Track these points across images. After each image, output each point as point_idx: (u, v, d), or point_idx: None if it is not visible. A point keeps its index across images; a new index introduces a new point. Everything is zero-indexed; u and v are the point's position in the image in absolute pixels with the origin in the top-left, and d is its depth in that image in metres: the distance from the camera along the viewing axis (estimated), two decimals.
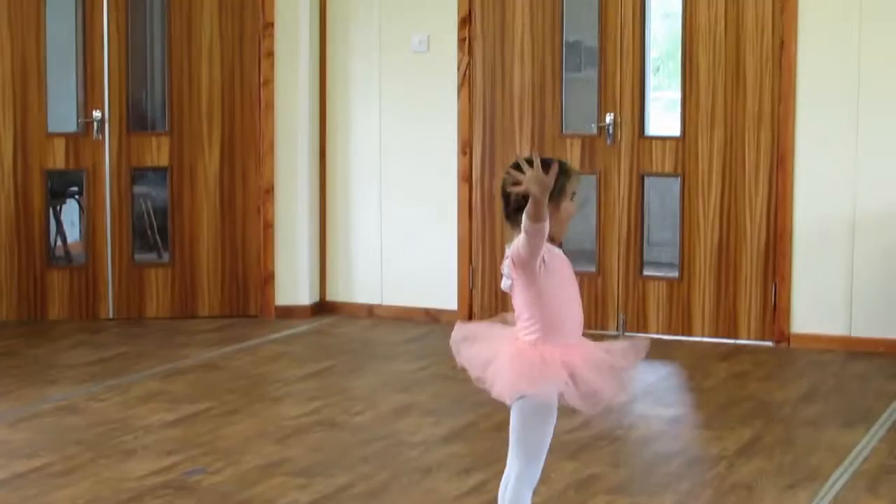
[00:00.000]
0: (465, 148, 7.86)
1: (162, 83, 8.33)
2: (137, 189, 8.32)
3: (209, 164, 8.02)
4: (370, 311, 8.14)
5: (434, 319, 7.94)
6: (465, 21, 7.80)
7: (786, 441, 5.50)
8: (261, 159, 8.02)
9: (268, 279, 8.07)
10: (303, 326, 7.88)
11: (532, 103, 7.71)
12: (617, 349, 3.74)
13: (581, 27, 7.91)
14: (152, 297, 8.03)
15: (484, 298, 7.86)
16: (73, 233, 8.72)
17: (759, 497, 4.77)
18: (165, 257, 8.28)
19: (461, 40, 7.83)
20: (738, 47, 7.25)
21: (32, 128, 7.84)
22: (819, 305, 7.17)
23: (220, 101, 8.00)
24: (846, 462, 5.18)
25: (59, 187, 8.47)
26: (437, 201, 7.94)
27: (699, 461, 5.27)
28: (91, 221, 7.96)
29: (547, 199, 3.41)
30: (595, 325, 7.51)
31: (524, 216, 3.45)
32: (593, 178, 7.58)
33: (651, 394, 6.25)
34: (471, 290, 7.88)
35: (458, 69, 7.85)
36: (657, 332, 7.49)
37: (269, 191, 8.03)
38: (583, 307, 3.80)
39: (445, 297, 7.93)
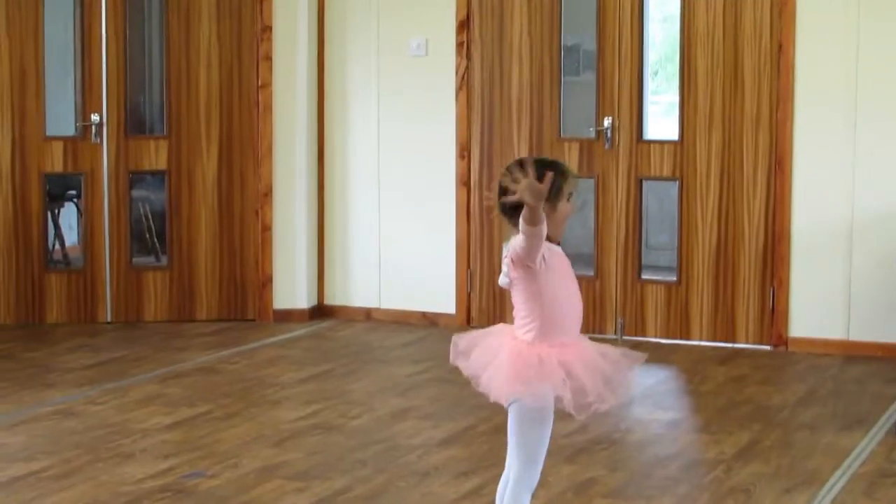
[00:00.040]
0: (464, 152, 7.86)
1: (160, 87, 8.33)
2: (135, 192, 8.32)
3: (207, 167, 8.02)
4: (368, 314, 8.14)
5: (432, 323, 7.94)
6: (464, 25, 7.81)
7: (784, 445, 5.50)
8: (259, 163, 8.02)
9: (266, 282, 8.06)
10: (301, 330, 7.88)
11: (530, 107, 7.71)
12: (612, 357, 3.73)
13: (579, 30, 7.92)
14: (150, 301, 8.03)
15: (482, 302, 7.86)
16: (71, 236, 8.72)
17: (757, 500, 4.77)
18: (163, 261, 8.28)
19: (459, 44, 7.83)
20: (737, 51, 7.25)
21: (30, 131, 7.84)
22: (817, 309, 7.18)
23: (218, 104, 8.00)
24: (844, 465, 5.17)
25: (57, 191, 8.48)
26: (435, 205, 7.94)
27: (697, 465, 5.27)
28: (89, 225, 7.96)
29: (542, 206, 3.41)
30: (593, 329, 7.51)
31: (521, 220, 3.45)
32: (591, 181, 7.58)
33: (649, 397, 6.25)
34: (469, 294, 7.89)
35: (457, 73, 7.85)
36: (655, 336, 7.49)
37: (268, 194, 8.03)
38: (583, 309, 3.81)
39: (443, 300, 7.93)
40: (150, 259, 8.65)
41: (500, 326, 3.83)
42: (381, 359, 7.16)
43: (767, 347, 7.28)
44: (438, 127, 7.91)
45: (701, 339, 7.41)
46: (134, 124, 8.31)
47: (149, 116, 8.88)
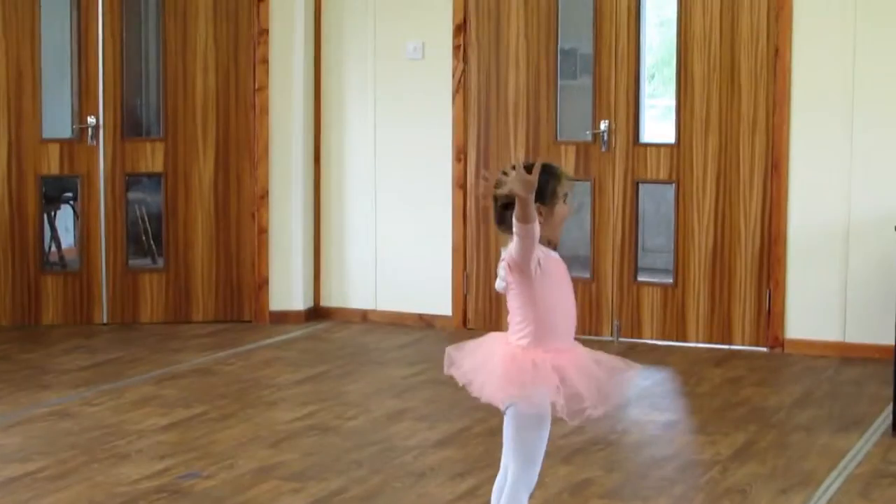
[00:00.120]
0: (460, 154, 7.87)
1: (157, 89, 8.34)
2: (132, 195, 8.32)
3: (203, 169, 8.02)
4: (364, 316, 8.14)
5: (428, 325, 7.94)
6: (460, 28, 7.81)
7: (780, 446, 5.51)
8: (255, 165, 8.02)
9: (262, 284, 8.07)
10: (297, 331, 7.88)
11: (527, 110, 7.72)
12: (606, 363, 3.73)
13: (576, 34, 7.92)
14: (146, 302, 8.03)
15: (478, 304, 7.86)
16: (67, 238, 8.71)
17: (753, 501, 4.77)
18: (160, 263, 8.28)
19: (456, 47, 7.84)
20: (733, 54, 7.26)
21: (27, 133, 7.84)
22: (813, 311, 7.18)
23: (214, 107, 8.00)
24: (840, 466, 5.18)
25: (53, 193, 8.46)
26: (431, 207, 7.94)
27: (693, 465, 5.27)
28: (85, 227, 7.95)
29: (533, 199, 3.41)
30: (589, 332, 7.51)
31: (514, 219, 3.46)
32: (588, 184, 7.59)
33: (645, 399, 6.25)
34: (465, 296, 7.89)
35: (453, 76, 7.86)
36: (651, 338, 7.50)
37: (264, 196, 8.03)
38: (577, 313, 3.81)
39: (439, 302, 7.94)
40: (147, 261, 8.65)
41: (492, 335, 3.83)
42: (377, 360, 7.16)
43: (764, 349, 7.28)
44: (435, 130, 7.91)
45: (697, 341, 7.42)
46: (130, 126, 8.30)
47: (145, 119, 8.88)
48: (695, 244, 7.41)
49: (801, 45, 7.12)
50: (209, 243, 8.04)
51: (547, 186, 3.61)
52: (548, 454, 3.81)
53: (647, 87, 8.03)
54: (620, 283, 7.58)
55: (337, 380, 6.70)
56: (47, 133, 7.90)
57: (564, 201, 3.71)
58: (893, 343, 5.64)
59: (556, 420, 3.72)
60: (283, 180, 8.05)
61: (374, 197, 8.08)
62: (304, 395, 6.34)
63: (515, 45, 7.72)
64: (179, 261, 8.04)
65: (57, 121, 8.05)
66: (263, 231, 8.04)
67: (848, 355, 7.08)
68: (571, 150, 7.64)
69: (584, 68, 7.89)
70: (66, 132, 7.99)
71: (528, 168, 3.42)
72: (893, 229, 6.11)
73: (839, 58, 7.05)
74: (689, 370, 6.90)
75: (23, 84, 7.81)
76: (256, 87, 7.98)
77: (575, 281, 3.83)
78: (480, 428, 5.66)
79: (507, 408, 3.71)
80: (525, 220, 3.43)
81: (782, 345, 7.25)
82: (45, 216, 8.24)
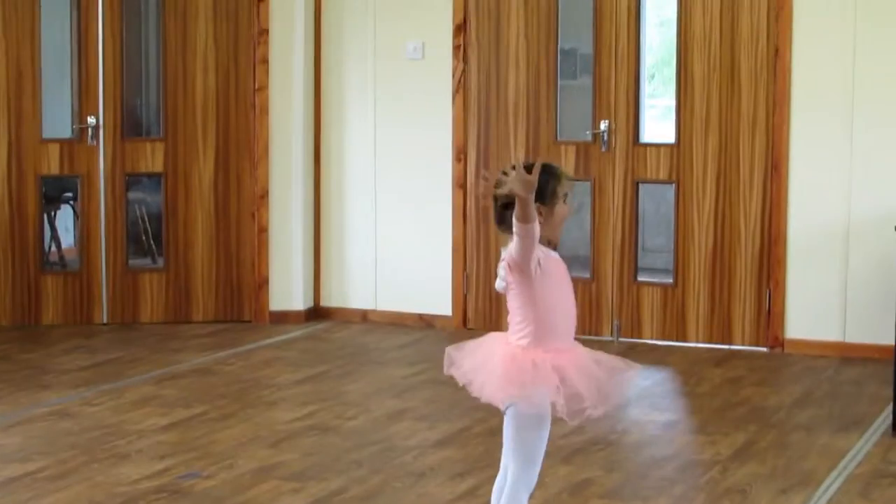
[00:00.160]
0: (460, 154, 7.87)
1: (157, 89, 8.34)
2: (132, 195, 8.32)
3: (204, 169, 8.02)
4: (364, 316, 8.14)
5: (428, 325, 7.94)
6: (460, 28, 7.81)
7: (780, 446, 5.51)
8: (255, 165, 8.02)
9: (262, 284, 8.07)
10: (297, 331, 7.88)
11: (526, 110, 7.72)
12: (606, 364, 3.73)
13: (576, 34, 7.92)
14: (146, 302, 8.03)
15: (478, 304, 7.86)
16: (67, 238, 8.71)
17: (753, 501, 4.77)
18: (160, 262, 8.28)
19: (456, 47, 7.84)
20: (733, 54, 7.26)
21: (27, 133, 7.84)
22: (813, 311, 7.18)
23: (214, 107, 8.00)
24: (840, 466, 5.18)
25: (53, 193, 8.46)
26: (431, 207, 7.94)
27: (693, 465, 5.27)
28: (85, 227, 7.95)
29: (533, 199, 3.42)
30: (589, 331, 7.51)
31: (513, 219, 3.46)
32: (588, 184, 7.59)
33: (645, 399, 6.25)
34: (465, 296, 7.89)
35: (453, 76, 7.85)
36: (651, 338, 7.50)
37: (264, 196, 8.03)
38: (577, 313, 3.81)
39: (439, 302, 7.94)
40: (147, 261, 8.65)
41: (492, 334, 3.84)
42: (377, 360, 7.16)
43: (764, 349, 7.29)
44: (435, 130, 7.91)
45: (697, 341, 7.42)
46: (130, 126, 8.30)
47: (145, 119, 8.88)
48: (695, 244, 7.41)
49: (801, 45, 7.12)
50: (209, 243, 8.04)
51: (547, 186, 3.62)
52: (548, 454, 3.81)
53: (647, 87, 8.03)
54: (620, 283, 7.58)
55: (337, 380, 6.70)
56: (47, 133, 7.90)
57: (564, 201, 3.71)
58: (893, 343, 5.64)
59: (555, 420, 3.72)
60: (283, 180, 8.05)
61: (374, 197, 8.08)
62: (304, 395, 6.34)
63: (515, 45, 7.72)
64: (179, 261, 8.04)
65: (57, 121, 8.05)
66: (263, 231, 8.04)
67: (848, 355, 7.08)
68: (571, 150, 7.64)
69: (584, 68, 7.89)
70: (66, 132, 7.99)
71: (529, 168, 3.42)
72: (893, 229, 6.11)
73: (839, 58, 7.05)
74: (689, 370, 6.90)
75: (23, 84, 7.81)
76: (256, 86, 7.98)
77: (575, 281, 3.83)
78: (480, 428, 5.66)
79: (506, 408, 3.71)
80: (525, 219, 3.43)
81: (782, 345, 7.25)
82: (45, 216, 8.24)
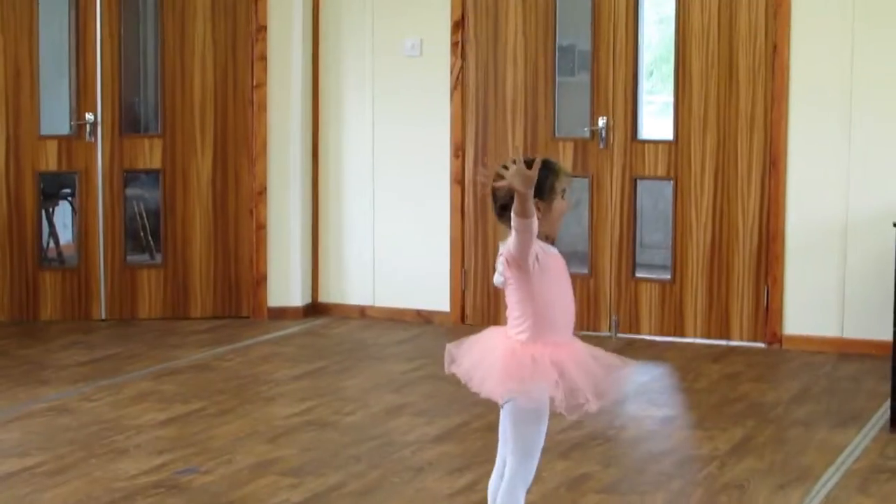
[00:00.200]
0: (458, 151, 7.87)
1: (155, 86, 8.33)
2: (130, 191, 8.32)
3: (202, 166, 8.02)
4: (362, 312, 8.15)
5: (426, 321, 7.95)
6: (458, 25, 7.82)
7: (777, 441, 5.51)
8: (253, 161, 8.02)
9: (260, 280, 8.07)
10: (295, 327, 7.88)
11: (525, 107, 7.72)
12: (603, 359, 3.73)
13: (574, 31, 7.92)
14: (145, 298, 8.03)
15: (476, 300, 7.86)
16: (65, 234, 8.71)
17: (751, 496, 4.78)
18: (158, 259, 8.29)
19: (454, 44, 7.84)
20: (731, 51, 7.26)
21: (25, 130, 7.84)
22: (811, 307, 7.19)
23: (212, 103, 8.00)
24: (837, 462, 5.19)
25: (51, 189, 8.47)
26: (429, 204, 7.95)
27: (691, 461, 5.27)
28: (83, 223, 7.96)
29: (532, 194, 3.42)
30: (588, 327, 7.52)
31: (512, 214, 3.46)
32: (586, 181, 7.59)
33: (643, 394, 6.26)
34: (463, 292, 7.89)
35: (451, 73, 7.86)
36: (650, 334, 7.50)
37: (262, 192, 8.03)
38: (576, 309, 3.81)
39: (438, 298, 7.94)
40: (145, 257, 8.65)
41: (491, 329, 3.84)
42: (375, 356, 7.17)
43: (762, 345, 7.29)
44: (433, 126, 7.91)
45: (695, 337, 7.42)
46: (128, 123, 8.30)
47: (143, 115, 8.88)
48: (693, 240, 7.41)
49: (800, 41, 7.13)
50: (207, 239, 8.05)
51: (545, 182, 3.62)
52: (545, 449, 3.81)
53: (645, 84, 8.03)
54: (618, 279, 7.58)
55: (335, 375, 6.71)
56: (45, 130, 7.90)
57: (563, 197, 3.72)
58: (891, 339, 5.65)
59: (553, 415, 3.72)
60: (282, 177, 8.05)
61: (372, 193, 8.09)
62: (302, 391, 6.35)
63: (514, 42, 7.72)
64: (177, 257, 8.04)
65: (55, 117, 8.05)
66: (261, 227, 8.04)
67: (846, 351, 7.09)
68: (569, 146, 7.64)
69: (582, 65, 7.90)
70: (64, 129, 7.99)
71: (528, 163, 3.43)
72: (891, 225, 6.11)
73: (837, 54, 7.05)
74: (687, 366, 6.90)
75: (21, 81, 7.81)
76: (254, 83, 7.98)
77: (573, 277, 3.84)
78: (479, 423, 5.66)
79: (504, 402, 3.72)
80: (523, 214, 3.44)
81: (780, 340, 7.26)
82: (44, 212, 8.25)
